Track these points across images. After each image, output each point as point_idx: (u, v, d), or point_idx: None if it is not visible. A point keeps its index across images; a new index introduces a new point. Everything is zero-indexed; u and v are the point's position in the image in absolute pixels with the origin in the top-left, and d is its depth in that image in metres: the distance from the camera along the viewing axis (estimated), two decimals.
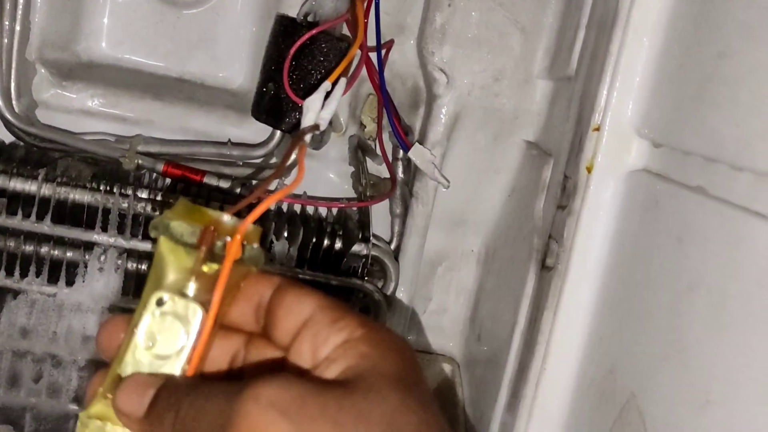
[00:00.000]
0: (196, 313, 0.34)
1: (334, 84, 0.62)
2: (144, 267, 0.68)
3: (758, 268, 0.43)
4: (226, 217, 0.36)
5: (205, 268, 0.35)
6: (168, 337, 0.34)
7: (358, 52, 0.67)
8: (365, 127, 0.79)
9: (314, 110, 0.61)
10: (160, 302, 0.34)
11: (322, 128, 0.61)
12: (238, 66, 0.80)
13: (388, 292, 0.74)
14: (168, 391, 0.34)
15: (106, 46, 0.78)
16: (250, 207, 0.35)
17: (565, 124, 0.67)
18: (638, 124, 0.59)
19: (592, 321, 0.62)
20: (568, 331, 0.63)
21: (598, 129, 0.61)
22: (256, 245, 0.36)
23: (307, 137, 0.59)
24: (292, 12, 0.72)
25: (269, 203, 0.35)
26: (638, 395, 0.54)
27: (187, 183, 0.69)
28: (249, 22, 0.79)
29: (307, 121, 0.61)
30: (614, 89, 0.60)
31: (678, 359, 0.49)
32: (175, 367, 0.34)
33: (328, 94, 0.62)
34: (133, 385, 0.34)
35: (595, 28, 0.64)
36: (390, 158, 0.76)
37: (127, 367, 0.34)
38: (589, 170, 0.61)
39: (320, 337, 0.34)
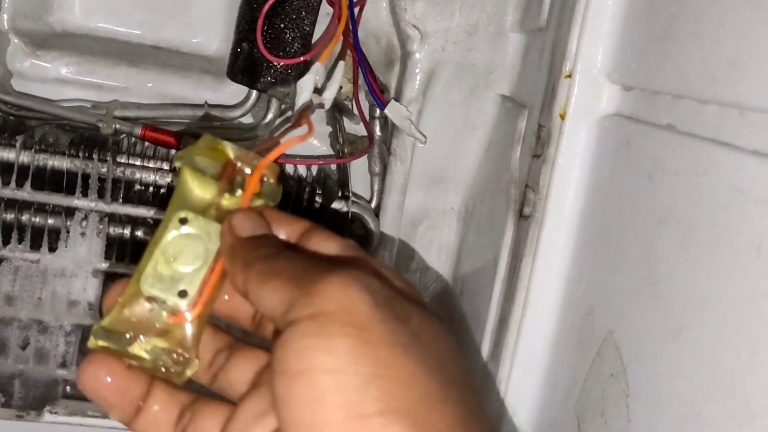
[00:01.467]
0: (216, 232, 0.35)
1: (334, 66, 0.64)
2: (126, 231, 0.69)
3: (723, 194, 0.44)
4: (247, 153, 0.37)
5: (225, 201, 0.36)
6: (189, 254, 0.35)
7: (330, 9, 0.68)
8: (341, 87, 0.79)
9: (307, 90, 0.62)
10: (183, 221, 0.36)
11: (326, 107, 0.64)
12: (214, 31, 0.80)
13: (370, 249, 0.75)
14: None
15: (79, 16, 0.78)
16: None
17: (538, 74, 0.67)
18: (609, 69, 0.60)
19: (570, 265, 0.63)
20: (547, 277, 0.64)
21: (569, 76, 0.61)
22: (272, 181, 0.37)
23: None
24: None
25: (288, 146, 0.36)
26: (615, 332, 0.55)
27: (165, 146, 0.69)
28: None
29: (301, 100, 0.62)
30: (584, 36, 0.61)
31: (651, 292, 0.51)
32: (193, 283, 0.35)
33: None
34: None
35: None
36: (367, 117, 0.76)
37: (147, 279, 0.35)
38: (562, 117, 0.62)
39: None
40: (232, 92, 0.76)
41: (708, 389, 0.44)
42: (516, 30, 0.74)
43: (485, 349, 0.71)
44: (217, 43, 0.80)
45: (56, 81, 0.74)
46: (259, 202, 0.38)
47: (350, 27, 0.70)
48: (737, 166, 0.43)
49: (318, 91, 0.65)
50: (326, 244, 0.37)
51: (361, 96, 0.76)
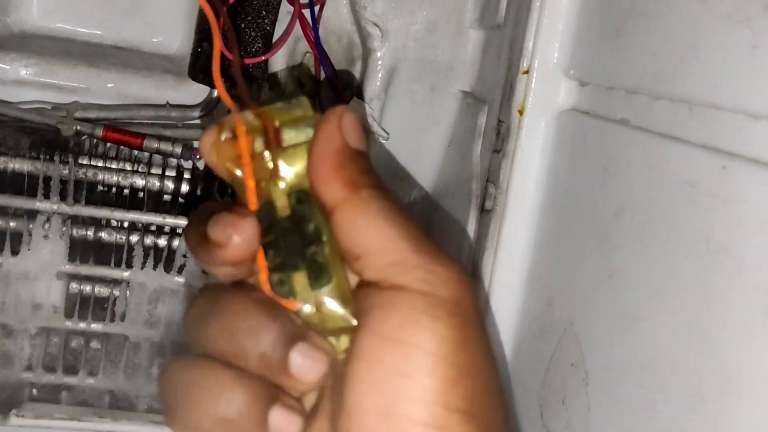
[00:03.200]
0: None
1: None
2: (90, 233, 0.69)
3: (673, 187, 0.45)
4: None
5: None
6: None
7: (291, 8, 0.68)
8: (304, 85, 0.79)
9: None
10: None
11: None
12: (174, 30, 0.79)
13: None
14: None
15: (37, 16, 0.77)
16: None
17: (496, 70, 0.69)
18: (565, 65, 0.61)
19: (531, 258, 0.64)
20: (509, 270, 0.65)
21: (527, 72, 0.63)
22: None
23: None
24: None
25: None
26: (575, 323, 0.56)
27: (127, 146, 0.69)
28: None
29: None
30: (540, 32, 0.62)
31: (608, 283, 0.52)
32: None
33: None
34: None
35: None
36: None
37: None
38: (520, 113, 0.63)
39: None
40: (194, 91, 0.76)
41: (663, 377, 0.45)
42: (475, 27, 0.75)
43: None
44: (178, 42, 0.80)
45: (15, 83, 0.74)
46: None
47: (311, 25, 0.71)
48: (687, 160, 0.45)
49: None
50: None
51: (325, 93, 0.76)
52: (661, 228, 0.46)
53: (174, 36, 0.80)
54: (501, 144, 0.66)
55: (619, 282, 0.51)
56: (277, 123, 0.33)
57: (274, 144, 0.33)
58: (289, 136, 0.33)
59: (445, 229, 0.80)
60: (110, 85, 0.76)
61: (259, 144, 0.33)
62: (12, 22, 0.76)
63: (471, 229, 0.70)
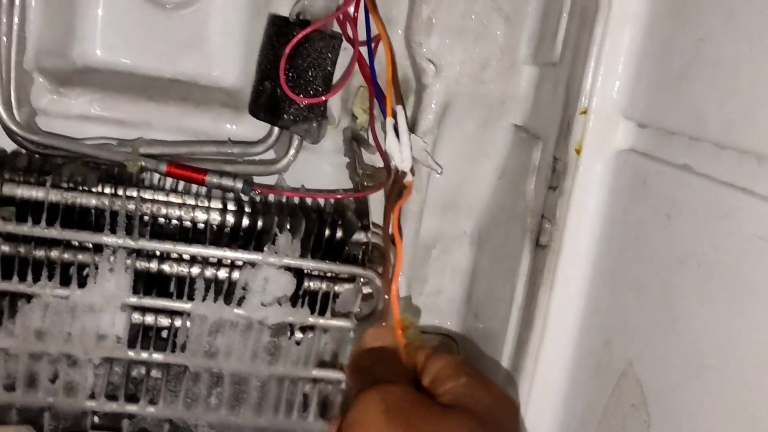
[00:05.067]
0: None
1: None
2: (153, 265, 0.71)
3: (744, 240, 0.46)
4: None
5: None
6: None
7: (350, 47, 0.70)
8: (357, 118, 0.81)
9: (396, 150, 0.70)
10: None
11: (407, 171, 0.72)
12: (230, 64, 0.81)
13: (389, 277, 0.76)
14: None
15: (100, 51, 0.79)
16: None
17: (552, 107, 0.70)
18: (623, 106, 0.62)
19: (587, 295, 0.65)
20: (565, 306, 0.66)
21: (585, 112, 0.63)
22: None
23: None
24: (281, 9, 0.74)
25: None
26: (635, 364, 0.57)
27: (190, 182, 0.71)
28: (238, 21, 0.80)
29: (397, 162, 0.71)
30: (599, 74, 0.63)
31: (672, 328, 0.53)
32: None
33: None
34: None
35: (578, 16, 0.67)
36: (383, 148, 0.78)
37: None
38: (578, 152, 0.64)
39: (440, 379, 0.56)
40: (251, 125, 0.78)
41: (730, 425, 0.46)
42: (528, 62, 0.76)
43: (502, 374, 0.73)
44: (235, 75, 0.82)
45: (80, 117, 0.76)
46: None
47: (367, 61, 0.72)
48: (758, 213, 0.45)
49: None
50: (436, 361, 0.57)
51: (377, 126, 0.77)
52: (730, 279, 0.47)
53: (230, 69, 0.81)
54: (557, 181, 0.67)
55: (684, 328, 0.51)
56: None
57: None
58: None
59: (496, 260, 0.81)
60: (170, 119, 0.77)
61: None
62: (76, 56, 0.79)
63: (525, 263, 0.71)
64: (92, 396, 0.72)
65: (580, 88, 0.63)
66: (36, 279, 0.68)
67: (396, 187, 0.69)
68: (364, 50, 0.72)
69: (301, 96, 0.68)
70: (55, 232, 0.68)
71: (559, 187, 0.66)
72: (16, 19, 0.69)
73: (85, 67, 0.79)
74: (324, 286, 0.73)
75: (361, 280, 0.74)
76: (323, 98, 0.68)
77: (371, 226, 0.74)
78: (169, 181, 0.74)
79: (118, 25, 0.79)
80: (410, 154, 0.69)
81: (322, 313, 0.73)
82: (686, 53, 0.55)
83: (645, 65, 0.60)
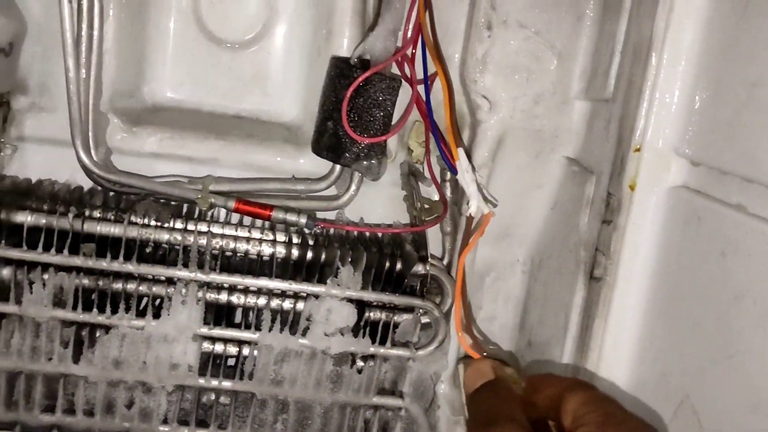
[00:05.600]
0: None
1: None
2: (222, 297, 0.74)
3: None
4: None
5: None
6: None
7: (409, 89, 0.73)
8: (412, 151, 0.84)
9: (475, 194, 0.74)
10: None
11: (484, 210, 0.75)
12: (291, 101, 0.85)
13: (446, 308, 0.79)
14: None
15: (168, 90, 0.83)
16: None
17: (605, 143, 0.72)
18: (676, 144, 0.64)
19: (642, 328, 0.67)
20: (619, 338, 0.68)
21: (638, 150, 0.65)
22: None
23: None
24: (341, 50, 0.77)
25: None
26: (692, 396, 0.58)
27: (256, 218, 0.75)
28: (298, 60, 0.84)
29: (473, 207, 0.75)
30: (652, 112, 0.65)
31: (728, 364, 0.54)
32: None
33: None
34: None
35: (631, 54, 0.69)
36: (438, 180, 0.81)
37: None
38: (631, 188, 0.66)
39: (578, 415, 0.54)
40: (312, 159, 0.81)
41: None
42: (581, 98, 0.78)
43: None
44: (295, 111, 0.85)
45: (151, 155, 0.80)
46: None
47: (423, 98, 0.75)
48: None
49: None
50: (573, 397, 0.55)
51: (432, 160, 0.80)
52: None
53: (291, 106, 0.85)
54: (611, 215, 0.68)
55: (740, 364, 0.53)
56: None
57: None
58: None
59: (549, 289, 0.82)
60: (236, 156, 0.81)
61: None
62: (146, 96, 0.83)
63: (580, 294, 0.73)
64: (165, 421, 0.75)
65: (634, 125, 0.66)
66: (114, 311, 0.72)
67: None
68: (420, 88, 0.75)
69: (363, 136, 0.71)
70: (132, 267, 0.71)
71: (614, 221, 0.68)
72: (93, 64, 0.73)
73: (154, 106, 0.83)
74: (384, 316, 0.76)
75: (420, 310, 0.76)
76: (384, 138, 0.71)
77: (429, 257, 0.77)
78: (235, 216, 0.77)
79: (185, 65, 0.83)
80: (479, 197, 0.73)
81: (382, 343, 0.76)
82: (739, 95, 0.56)
83: (698, 104, 0.62)
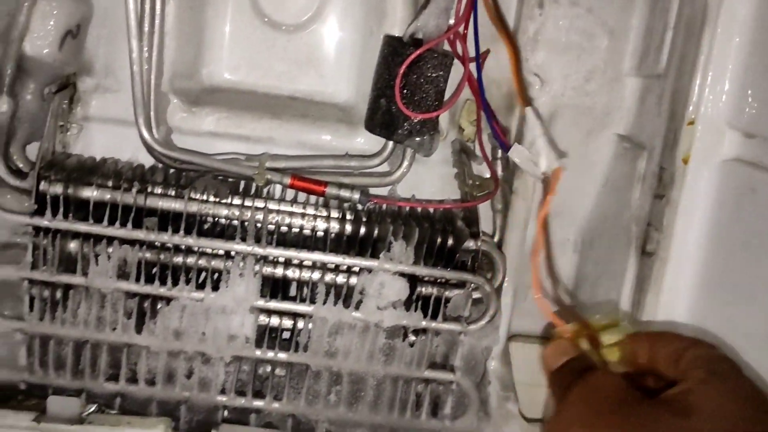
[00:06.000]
0: None
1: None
2: (278, 271, 0.76)
3: None
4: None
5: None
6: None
7: (460, 68, 0.74)
8: (463, 130, 0.84)
9: (523, 156, 0.74)
10: None
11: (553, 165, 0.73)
12: (344, 81, 0.86)
13: (496, 284, 0.80)
14: None
15: (226, 72, 0.86)
16: None
17: (657, 118, 0.72)
18: (730, 116, 0.64)
19: (695, 302, 0.67)
20: (672, 311, 0.68)
21: (692, 123, 0.66)
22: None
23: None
24: (394, 29, 0.78)
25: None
26: (745, 371, 0.58)
27: (311, 194, 0.77)
28: (352, 40, 0.86)
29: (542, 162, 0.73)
30: (705, 86, 0.65)
31: None
32: None
33: None
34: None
35: (684, 28, 0.69)
36: (489, 158, 0.82)
37: None
38: (685, 161, 0.66)
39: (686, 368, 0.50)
40: (364, 138, 0.83)
41: None
42: (633, 74, 0.79)
43: None
44: (348, 92, 0.87)
45: (209, 134, 0.82)
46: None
47: (474, 76, 0.76)
48: None
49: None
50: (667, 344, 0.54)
51: (483, 138, 0.81)
52: None
53: (344, 87, 0.87)
54: (664, 190, 0.69)
55: None
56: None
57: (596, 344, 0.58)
58: (606, 339, 0.58)
59: (600, 265, 0.83)
60: (291, 135, 0.83)
61: (584, 344, 0.58)
62: (205, 77, 0.85)
63: (631, 269, 0.73)
64: (223, 391, 0.78)
65: (687, 99, 0.66)
66: (175, 283, 0.75)
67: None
68: (471, 66, 0.76)
69: (415, 112, 0.72)
70: (192, 241, 0.74)
71: (666, 195, 0.68)
72: (155, 45, 0.76)
73: (212, 87, 0.86)
74: (436, 291, 0.77)
75: (471, 285, 0.77)
76: (436, 114, 0.72)
77: (481, 234, 0.78)
78: (289, 193, 0.79)
79: (242, 47, 0.86)
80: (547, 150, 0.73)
81: (434, 317, 0.77)
82: None
83: (751, 76, 0.62)
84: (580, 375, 0.53)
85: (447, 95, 0.74)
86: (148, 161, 0.81)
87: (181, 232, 0.74)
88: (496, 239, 0.84)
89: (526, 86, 0.80)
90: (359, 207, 0.77)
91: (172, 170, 0.80)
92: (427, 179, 0.84)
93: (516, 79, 0.75)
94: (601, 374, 0.53)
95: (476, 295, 0.78)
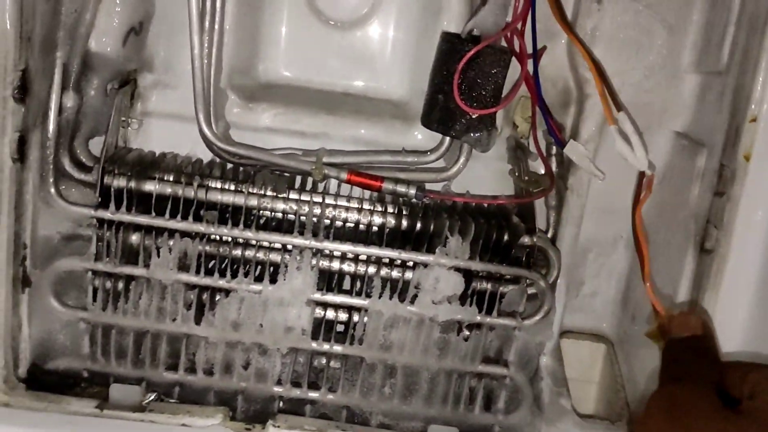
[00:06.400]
0: None
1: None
2: (334, 264, 0.77)
3: None
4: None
5: None
6: None
7: (516, 65, 0.74)
8: (517, 127, 0.85)
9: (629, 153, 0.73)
10: None
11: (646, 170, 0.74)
12: (398, 78, 0.87)
13: (551, 279, 0.80)
14: None
15: (282, 68, 0.87)
16: None
17: (717, 114, 0.71)
18: None
19: (756, 301, 0.66)
20: (732, 310, 0.68)
21: (754, 120, 0.65)
22: None
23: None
24: (450, 26, 0.79)
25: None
26: None
27: (367, 189, 0.77)
28: (407, 38, 0.86)
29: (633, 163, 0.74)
30: None
31: None
32: None
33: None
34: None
35: (747, 24, 0.68)
36: (544, 154, 0.82)
37: None
38: (746, 158, 0.66)
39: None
40: (418, 134, 0.83)
41: None
42: (692, 71, 0.78)
43: None
44: (402, 89, 0.87)
45: (266, 130, 0.84)
46: None
47: (530, 72, 0.76)
48: None
49: None
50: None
51: (539, 135, 0.81)
52: None
53: (398, 83, 0.87)
54: (724, 187, 0.68)
55: None
56: None
57: None
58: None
59: (655, 264, 0.82)
60: (345, 130, 0.84)
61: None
62: (261, 74, 0.87)
63: (689, 267, 0.73)
64: (279, 382, 0.79)
65: (750, 96, 0.65)
66: (233, 276, 0.76)
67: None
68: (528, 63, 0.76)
69: (473, 108, 0.72)
70: (251, 234, 0.75)
71: (727, 192, 0.67)
72: (215, 41, 0.77)
73: (268, 84, 0.87)
74: (491, 286, 0.77)
75: (526, 281, 0.78)
76: (495, 109, 0.72)
77: (537, 230, 0.78)
78: (344, 188, 0.80)
79: (298, 44, 0.87)
80: (644, 153, 0.72)
81: (489, 312, 0.77)
82: None
83: None
84: (696, 353, 0.59)
85: (504, 92, 0.74)
86: (205, 156, 0.82)
87: (241, 225, 0.75)
88: (549, 235, 0.84)
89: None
90: (415, 202, 0.78)
91: (230, 165, 0.81)
92: (482, 176, 0.85)
93: (598, 83, 0.74)
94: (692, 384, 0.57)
95: (531, 291, 0.79)
